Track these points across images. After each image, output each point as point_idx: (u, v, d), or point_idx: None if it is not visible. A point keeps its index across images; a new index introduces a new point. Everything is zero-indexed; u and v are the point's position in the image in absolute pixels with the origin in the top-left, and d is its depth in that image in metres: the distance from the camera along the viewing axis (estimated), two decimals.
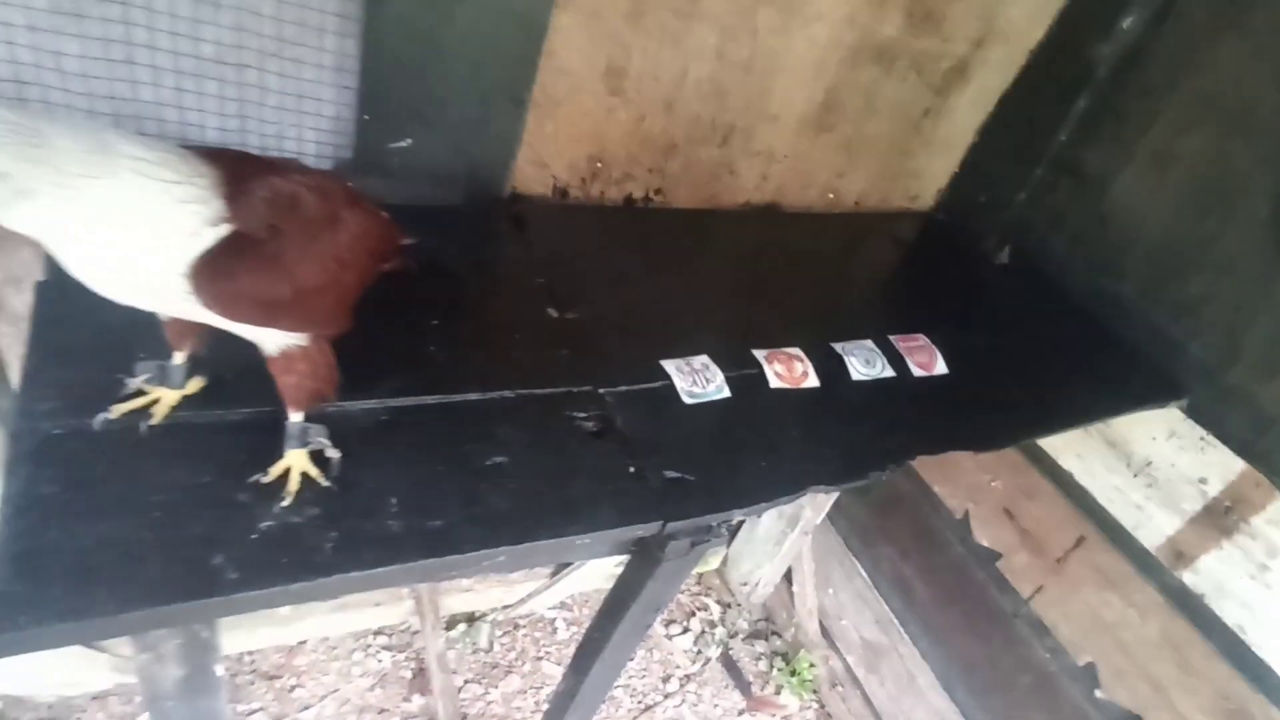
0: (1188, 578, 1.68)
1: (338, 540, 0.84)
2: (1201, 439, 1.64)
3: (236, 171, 0.75)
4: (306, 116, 1.35)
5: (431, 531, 0.88)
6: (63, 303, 0.97)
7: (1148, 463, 1.73)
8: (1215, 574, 1.63)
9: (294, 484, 0.86)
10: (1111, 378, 1.67)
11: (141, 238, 0.67)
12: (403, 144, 1.38)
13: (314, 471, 0.88)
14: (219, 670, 1.03)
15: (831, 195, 1.96)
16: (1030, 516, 1.97)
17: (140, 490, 0.81)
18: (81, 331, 0.94)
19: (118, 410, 0.86)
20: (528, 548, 0.92)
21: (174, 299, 0.72)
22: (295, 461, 0.87)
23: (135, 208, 0.65)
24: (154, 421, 0.87)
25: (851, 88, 1.75)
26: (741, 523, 2.79)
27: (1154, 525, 1.73)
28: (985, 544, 2.09)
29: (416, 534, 0.88)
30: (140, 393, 0.88)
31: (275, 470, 0.86)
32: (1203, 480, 1.64)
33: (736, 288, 1.58)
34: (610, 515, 0.99)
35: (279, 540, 0.82)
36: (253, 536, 0.81)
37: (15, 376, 1.47)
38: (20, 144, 0.59)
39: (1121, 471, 1.78)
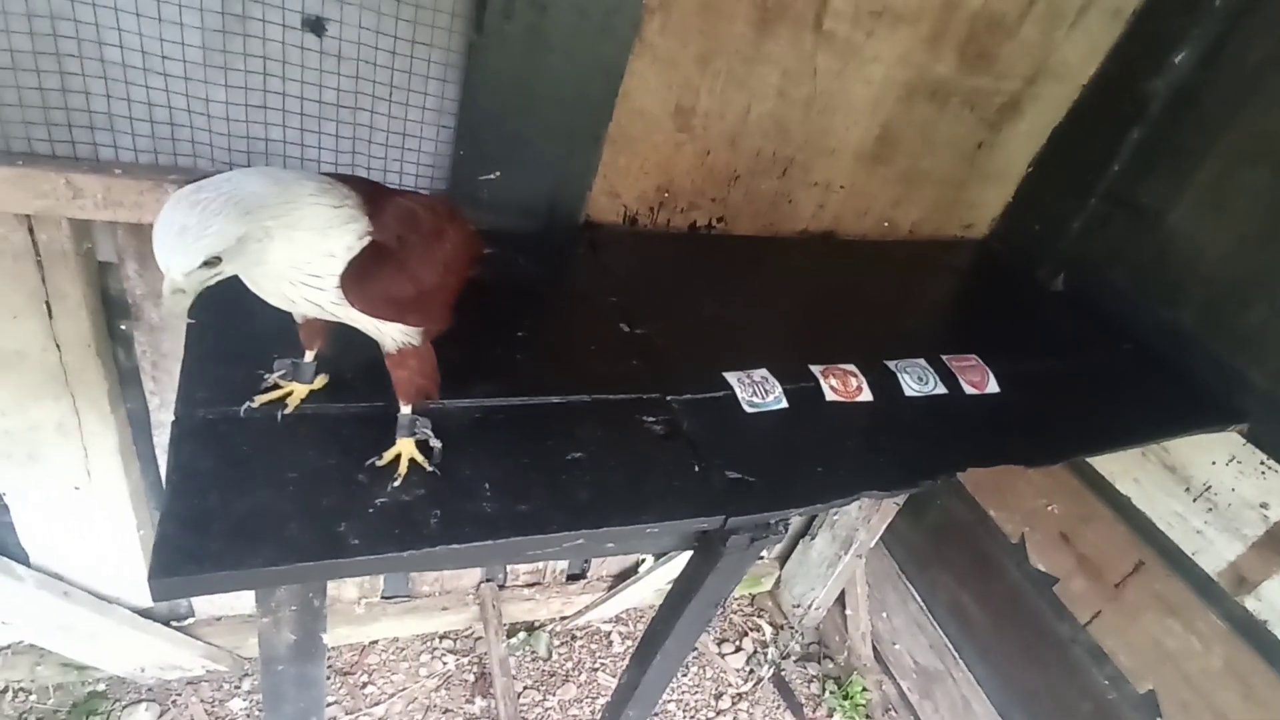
0: (1251, 604, 1.66)
1: (441, 517, 0.95)
2: (1262, 464, 1.64)
3: (368, 193, 0.89)
4: (409, 152, 1.52)
5: (520, 514, 1.00)
6: (212, 311, 1.12)
7: (1207, 487, 1.73)
8: (1279, 600, 1.62)
9: (403, 467, 0.99)
10: (1167, 401, 1.69)
11: (317, 255, 0.82)
12: (492, 176, 1.53)
13: (420, 458, 1.00)
14: (325, 639, 1.15)
15: (886, 224, 2.04)
16: (1087, 541, 1.97)
17: (280, 468, 0.95)
18: (229, 336, 1.10)
19: (259, 400, 1.00)
20: (604, 532, 1.02)
21: (327, 302, 0.86)
22: (405, 448, 1.00)
23: (316, 233, 0.80)
24: (288, 411, 1.01)
25: (906, 123, 1.84)
26: (795, 545, 2.84)
27: (1215, 550, 1.72)
28: (1042, 569, 2.10)
29: (508, 515, 0.99)
30: (276, 386, 1.03)
31: (388, 455, 0.99)
32: (1264, 505, 1.64)
33: (794, 309, 1.68)
34: (677, 508, 1.08)
35: (392, 515, 0.94)
36: (370, 510, 0.93)
37: (149, 381, 1.67)
38: (241, 210, 0.74)
39: (1180, 496, 1.78)
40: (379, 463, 0.98)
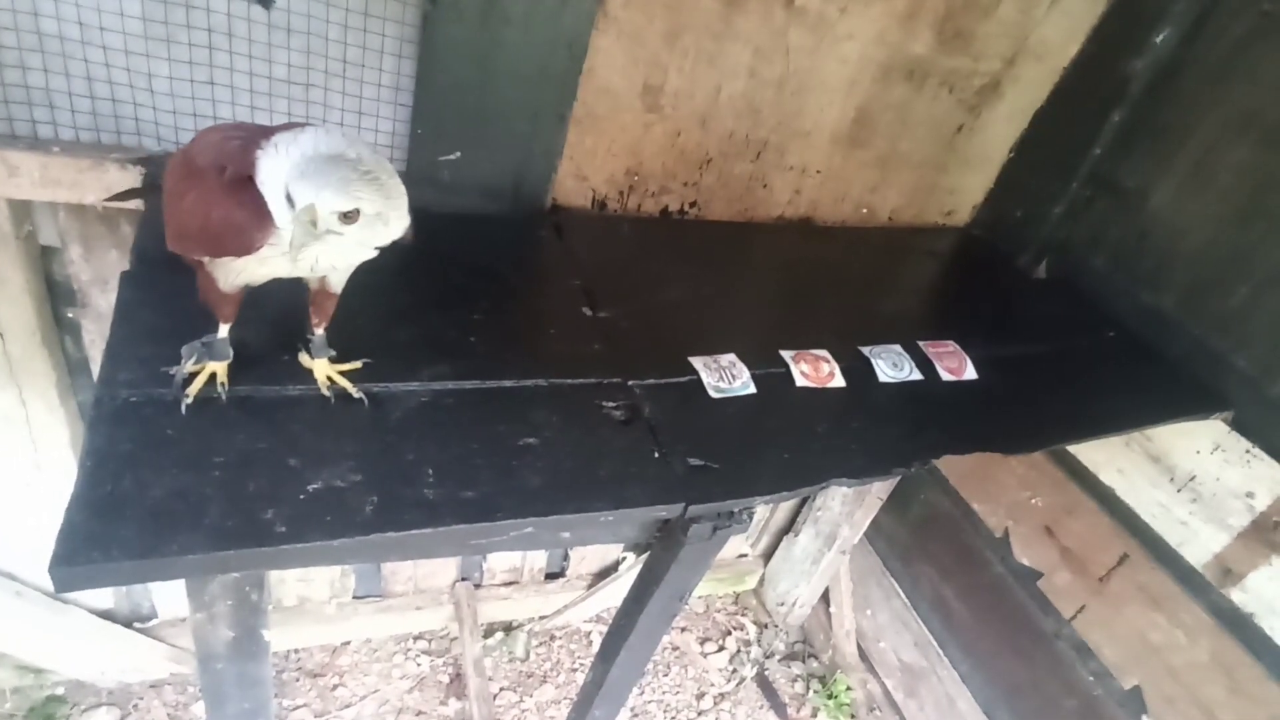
0: (1236, 596, 1.62)
1: (378, 504, 0.90)
2: (1247, 452, 1.60)
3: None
4: (365, 131, 1.46)
5: (465, 501, 0.94)
6: (143, 290, 1.08)
7: (1192, 477, 1.69)
8: (1265, 592, 1.57)
9: (322, 382, 1.01)
10: (1150, 389, 1.65)
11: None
12: (452, 157, 1.47)
13: (342, 381, 1.01)
14: (266, 636, 1.09)
15: (865, 210, 1.99)
16: (1071, 534, 1.93)
17: (205, 452, 0.89)
18: (158, 315, 1.04)
19: (192, 392, 0.94)
20: (555, 520, 0.97)
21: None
22: (319, 366, 1.02)
23: None
24: (223, 382, 0.96)
25: (883, 105, 1.79)
26: (779, 542, 2.79)
27: (1200, 542, 1.68)
28: (1026, 563, 2.05)
29: (451, 502, 0.93)
30: (196, 373, 0.97)
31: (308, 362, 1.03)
32: (1250, 494, 1.60)
33: (767, 295, 1.63)
34: (635, 495, 1.03)
35: (325, 501, 0.88)
36: (301, 496, 0.88)
37: (98, 371, 1.61)
38: (378, 184, 0.81)
39: (1165, 486, 1.73)
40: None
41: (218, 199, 0.83)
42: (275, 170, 0.81)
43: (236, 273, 0.91)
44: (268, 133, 0.84)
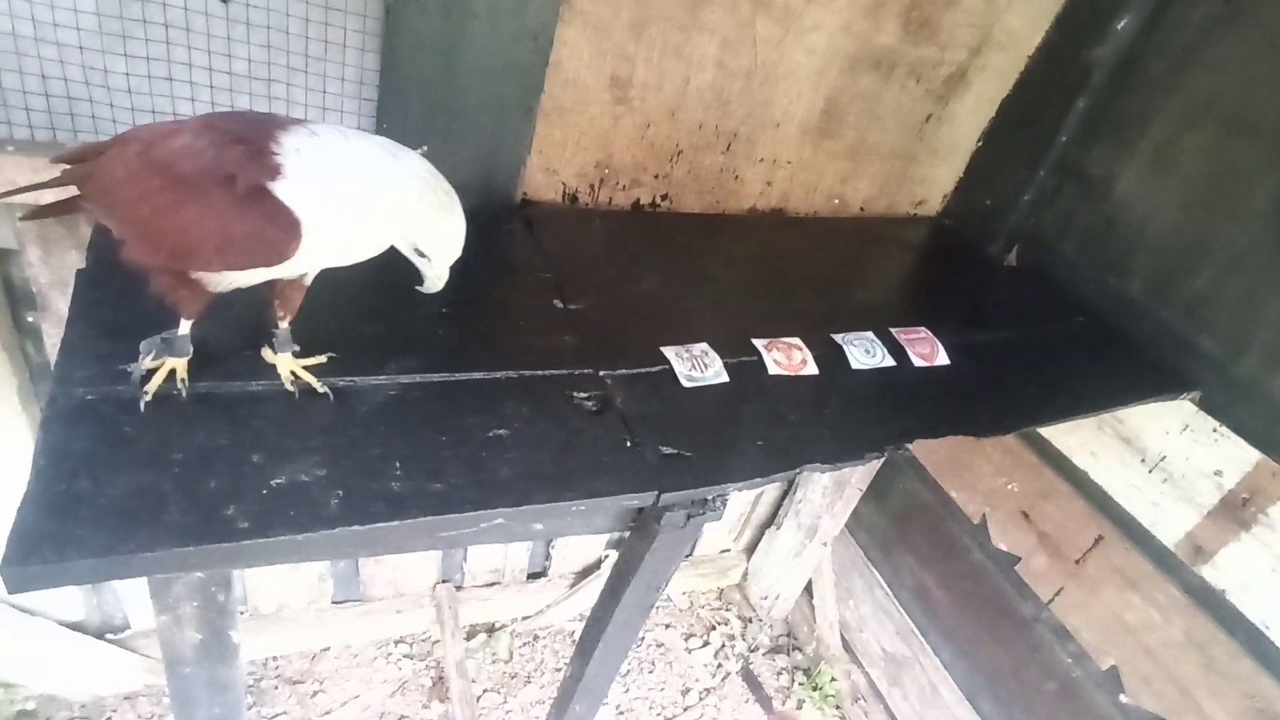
0: (1208, 573, 1.64)
1: (343, 498, 0.89)
2: (1215, 431, 1.62)
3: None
4: None
5: (433, 493, 0.93)
6: (99, 287, 1.06)
7: (1162, 457, 1.71)
8: (1236, 568, 1.60)
9: (286, 377, 1.00)
10: (1119, 370, 1.67)
11: None
12: (419, 151, 1.45)
13: (306, 375, 1.00)
14: (235, 638, 1.07)
15: (837, 201, 2.00)
16: (1048, 518, 1.95)
17: (164, 449, 0.87)
18: (114, 312, 1.02)
19: (151, 389, 0.92)
20: (525, 510, 0.96)
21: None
22: (283, 361, 1.00)
23: None
24: (182, 379, 0.94)
25: (852, 95, 1.80)
26: (761, 536, 2.79)
27: (1171, 521, 1.70)
28: (1004, 548, 2.07)
29: (419, 495, 0.92)
30: (155, 370, 0.95)
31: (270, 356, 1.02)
32: (1218, 473, 1.62)
33: (739, 285, 1.63)
34: (606, 484, 1.03)
35: (288, 496, 0.87)
36: (264, 492, 0.86)
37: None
38: None
39: (1136, 467, 1.76)
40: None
41: (239, 213, 0.81)
42: (316, 181, 0.84)
43: (230, 280, 0.90)
44: (263, 132, 0.83)
